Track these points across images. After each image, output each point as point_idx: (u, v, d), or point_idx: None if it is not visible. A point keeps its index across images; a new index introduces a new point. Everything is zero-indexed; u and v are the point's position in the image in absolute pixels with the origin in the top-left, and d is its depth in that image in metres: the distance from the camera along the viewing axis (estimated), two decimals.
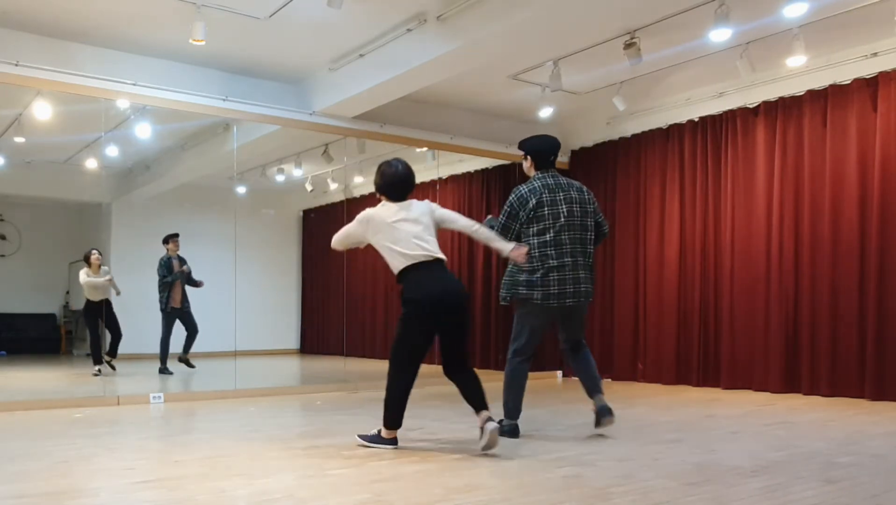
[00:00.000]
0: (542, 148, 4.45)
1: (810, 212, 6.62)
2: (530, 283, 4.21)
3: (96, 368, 8.11)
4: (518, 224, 4.28)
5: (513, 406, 4.32)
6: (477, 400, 3.84)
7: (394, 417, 3.87)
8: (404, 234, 3.83)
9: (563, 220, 4.24)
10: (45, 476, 3.27)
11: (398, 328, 3.88)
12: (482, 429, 3.72)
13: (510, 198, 4.34)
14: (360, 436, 3.98)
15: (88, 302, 8.35)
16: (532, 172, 4.46)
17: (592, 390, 4.42)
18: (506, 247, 3.98)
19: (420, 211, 3.92)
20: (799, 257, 6.71)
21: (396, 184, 3.95)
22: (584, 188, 4.45)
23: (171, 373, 8.30)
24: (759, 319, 6.93)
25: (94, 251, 8.34)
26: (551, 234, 4.22)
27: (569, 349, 4.50)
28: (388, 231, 3.85)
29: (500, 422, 4.06)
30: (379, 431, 3.91)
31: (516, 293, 4.28)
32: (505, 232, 4.27)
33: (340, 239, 4.06)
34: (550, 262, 4.20)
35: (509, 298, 4.34)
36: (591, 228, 4.36)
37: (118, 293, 8.37)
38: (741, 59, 6.30)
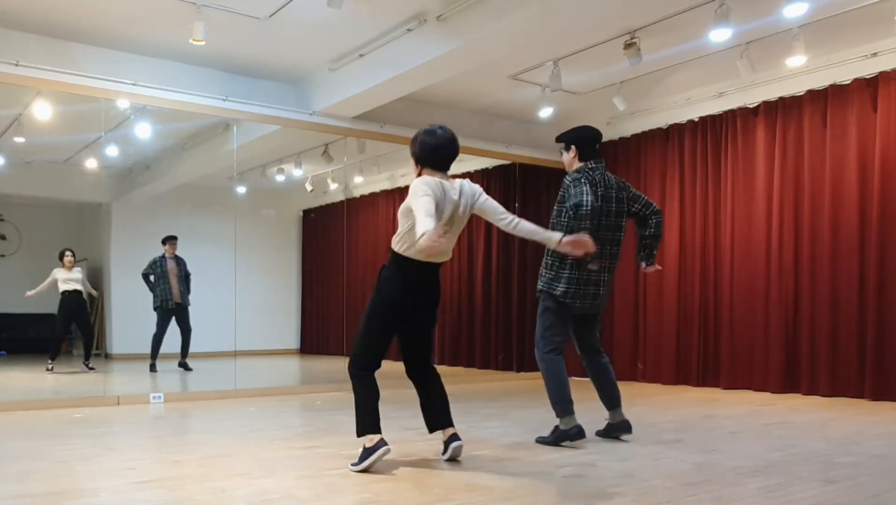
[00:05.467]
0: (586, 136, 4.18)
1: (810, 212, 6.62)
2: (569, 278, 3.95)
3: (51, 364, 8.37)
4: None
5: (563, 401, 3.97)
6: (444, 415, 3.58)
7: (374, 418, 3.41)
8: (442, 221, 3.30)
9: (604, 219, 4.00)
10: (45, 476, 3.27)
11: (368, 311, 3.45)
12: (447, 444, 3.55)
13: (572, 187, 3.95)
14: (354, 465, 3.37)
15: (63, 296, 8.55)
16: (575, 165, 4.15)
17: (614, 403, 4.19)
18: (554, 237, 3.49)
19: (466, 197, 3.44)
20: (799, 257, 6.71)
21: (443, 147, 3.41)
22: (623, 182, 4.22)
23: (155, 371, 8.33)
24: (759, 318, 6.93)
25: (67, 252, 8.40)
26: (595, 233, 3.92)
27: (586, 355, 4.27)
28: (441, 205, 3.30)
29: (556, 427, 3.98)
30: (364, 449, 3.36)
31: (552, 288, 3.99)
32: (580, 221, 3.86)
33: (431, 219, 3.10)
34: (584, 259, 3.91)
35: (544, 291, 4.05)
36: (623, 228, 4.12)
37: (90, 293, 8.64)
38: (741, 59, 6.30)
